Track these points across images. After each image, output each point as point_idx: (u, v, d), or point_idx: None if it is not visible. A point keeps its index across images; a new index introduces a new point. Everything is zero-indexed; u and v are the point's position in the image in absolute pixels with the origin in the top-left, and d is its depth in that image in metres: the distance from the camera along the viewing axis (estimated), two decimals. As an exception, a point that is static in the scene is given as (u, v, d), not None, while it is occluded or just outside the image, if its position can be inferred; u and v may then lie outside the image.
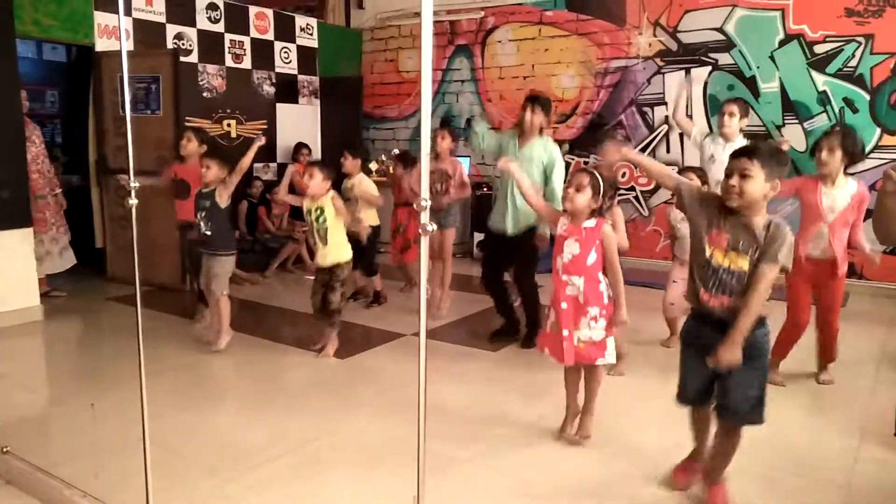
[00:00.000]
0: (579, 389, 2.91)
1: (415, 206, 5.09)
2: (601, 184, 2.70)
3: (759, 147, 2.14)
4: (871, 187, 5.36)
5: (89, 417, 3.05)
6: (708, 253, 2.16)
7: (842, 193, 3.25)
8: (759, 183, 2.07)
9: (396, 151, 7.33)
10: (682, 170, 4.01)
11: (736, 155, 2.13)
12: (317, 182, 3.81)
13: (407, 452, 1.88)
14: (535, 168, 3.96)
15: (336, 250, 3.89)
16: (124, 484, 2.38)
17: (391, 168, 5.47)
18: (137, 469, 2.18)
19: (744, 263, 2.10)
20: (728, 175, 2.11)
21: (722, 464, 2.29)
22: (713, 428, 2.36)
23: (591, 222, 2.73)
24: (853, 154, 3.26)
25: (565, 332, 2.73)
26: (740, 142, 4.43)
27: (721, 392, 2.21)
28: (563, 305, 2.74)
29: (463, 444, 2.84)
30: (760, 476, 2.51)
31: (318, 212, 3.84)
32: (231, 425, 3.05)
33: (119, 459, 2.61)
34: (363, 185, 4.81)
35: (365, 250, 4.72)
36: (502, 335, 4.32)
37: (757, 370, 2.15)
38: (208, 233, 3.98)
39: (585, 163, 6.75)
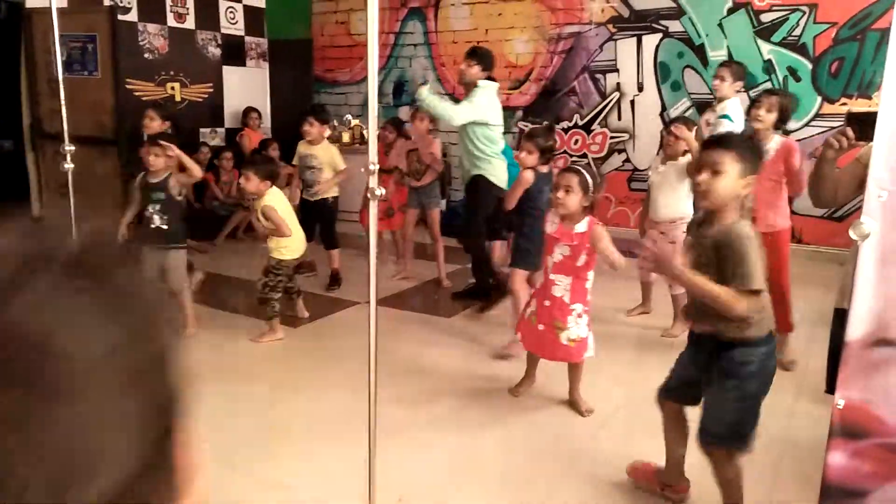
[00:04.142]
0: (537, 362, 3.00)
1: (396, 174, 4.87)
2: (589, 181, 2.66)
3: (733, 137, 1.92)
4: (812, 154, 5.55)
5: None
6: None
7: (768, 147, 3.29)
8: (730, 180, 1.83)
9: (349, 117, 7.23)
10: (672, 120, 3.94)
11: (707, 145, 1.93)
12: (253, 185, 3.51)
13: (360, 417, 1.89)
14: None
15: (273, 249, 3.65)
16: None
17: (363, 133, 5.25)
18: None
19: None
20: (698, 169, 1.90)
21: (730, 500, 2.02)
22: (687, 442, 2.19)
23: (582, 226, 2.71)
24: (786, 116, 3.34)
25: (541, 327, 2.81)
26: (733, 103, 4.32)
27: (702, 411, 2.04)
28: (546, 303, 2.80)
29: (416, 409, 2.87)
30: (697, 430, 2.62)
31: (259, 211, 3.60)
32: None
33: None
34: (331, 155, 4.58)
35: (325, 222, 4.60)
36: (465, 296, 4.42)
37: (731, 391, 1.93)
38: (164, 227, 3.58)
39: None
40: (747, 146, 1.91)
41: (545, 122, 6.11)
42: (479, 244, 4.17)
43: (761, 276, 1.82)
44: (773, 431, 2.69)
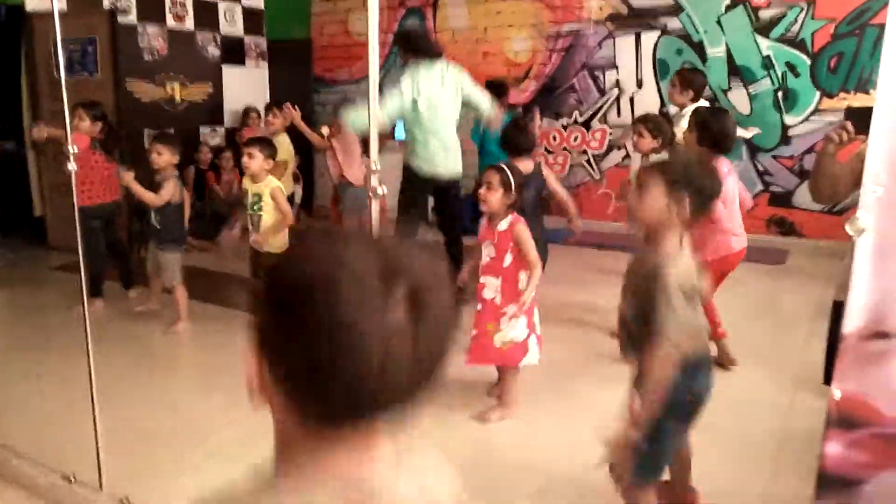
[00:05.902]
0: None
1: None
2: (511, 179, 2.57)
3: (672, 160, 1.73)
4: (811, 149, 5.57)
5: (36, 388, 2.99)
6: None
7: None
8: (655, 200, 1.65)
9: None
10: (636, 121, 3.71)
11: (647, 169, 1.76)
12: (257, 163, 3.48)
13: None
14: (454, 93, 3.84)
15: (267, 240, 3.60)
16: (76, 454, 2.35)
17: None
18: (88, 439, 2.16)
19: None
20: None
21: None
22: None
23: (504, 224, 2.62)
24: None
25: (474, 332, 2.71)
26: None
27: None
28: (479, 307, 2.72)
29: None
30: (699, 424, 2.63)
31: (255, 197, 3.57)
32: (184, 394, 3.02)
33: (69, 430, 2.57)
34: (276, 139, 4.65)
35: None
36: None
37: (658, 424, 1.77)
38: (157, 226, 3.80)
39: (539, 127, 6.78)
40: (683, 166, 1.80)
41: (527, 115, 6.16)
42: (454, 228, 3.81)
43: None
44: (773, 423, 2.72)
